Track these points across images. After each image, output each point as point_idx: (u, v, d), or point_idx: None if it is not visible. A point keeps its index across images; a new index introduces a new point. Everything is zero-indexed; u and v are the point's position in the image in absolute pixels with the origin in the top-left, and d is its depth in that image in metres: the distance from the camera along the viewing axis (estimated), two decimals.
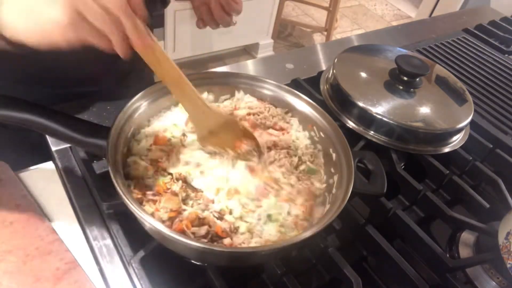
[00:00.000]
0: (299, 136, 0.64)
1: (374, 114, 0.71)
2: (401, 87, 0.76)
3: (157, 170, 0.54)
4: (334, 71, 0.78)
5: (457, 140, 0.76)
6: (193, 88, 0.53)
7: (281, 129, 0.65)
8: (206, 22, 0.80)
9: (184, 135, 0.59)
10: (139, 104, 0.58)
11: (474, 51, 1.13)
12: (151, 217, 0.45)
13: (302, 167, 0.60)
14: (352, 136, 0.70)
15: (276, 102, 0.67)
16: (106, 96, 0.73)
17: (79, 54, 0.70)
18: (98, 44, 0.42)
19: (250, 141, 0.58)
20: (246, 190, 0.54)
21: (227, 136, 0.57)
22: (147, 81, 0.73)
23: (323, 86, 0.82)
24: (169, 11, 2.14)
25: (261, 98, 0.67)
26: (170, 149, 0.57)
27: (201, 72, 0.66)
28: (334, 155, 0.60)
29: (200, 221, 0.50)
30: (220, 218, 0.51)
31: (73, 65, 0.70)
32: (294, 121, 0.66)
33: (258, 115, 0.65)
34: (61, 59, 0.68)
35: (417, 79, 0.76)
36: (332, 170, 0.59)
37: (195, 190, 0.54)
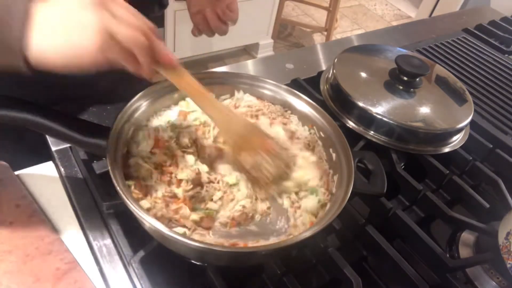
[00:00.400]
0: (298, 129, 0.65)
1: (374, 114, 0.71)
2: (401, 87, 0.76)
3: (163, 173, 0.54)
4: (334, 71, 0.78)
5: (457, 140, 0.76)
6: (213, 96, 0.55)
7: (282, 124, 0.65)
8: (202, 30, 0.80)
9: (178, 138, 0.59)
10: (139, 104, 0.58)
11: (474, 51, 1.13)
12: (151, 217, 0.45)
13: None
14: (352, 136, 0.70)
15: (276, 102, 0.67)
16: (102, 99, 0.73)
17: None
18: (127, 65, 0.43)
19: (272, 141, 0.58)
20: None
21: (255, 139, 0.57)
22: (141, 82, 0.73)
23: (323, 86, 0.82)
24: (169, 11, 2.14)
25: (261, 97, 0.67)
26: (173, 153, 0.56)
27: (201, 72, 0.66)
28: (334, 155, 0.60)
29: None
30: None
31: None
32: (294, 118, 0.66)
33: (257, 111, 0.65)
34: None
35: (417, 79, 0.76)
36: (331, 150, 0.61)
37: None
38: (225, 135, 0.58)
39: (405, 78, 0.76)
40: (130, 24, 0.42)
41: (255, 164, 0.55)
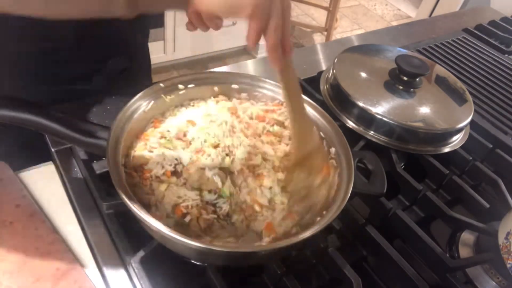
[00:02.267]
0: None
1: (374, 114, 0.71)
2: (401, 87, 0.76)
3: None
4: (334, 71, 0.78)
5: (457, 140, 0.76)
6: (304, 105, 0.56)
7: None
8: (196, 24, 0.81)
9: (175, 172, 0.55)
10: (139, 104, 0.58)
11: (474, 51, 1.13)
12: (151, 217, 0.45)
13: None
14: (352, 136, 0.70)
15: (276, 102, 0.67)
16: (98, 95, 0.73)
17: (72, 51, 0.70)
18: (257, 27, 0.47)
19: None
20: None
21: (319, 161, 0.57)
22: (141, 82, 0.74)
23: (323, 86, 0.82)
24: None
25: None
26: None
27: (201, 72, 0.66)
28: (334, 155, 0.60)
29: None
30: None
31: (65, 62, 0.71)
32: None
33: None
34: (53, 55, 0.69)
35: (417, 79, 0.76)
36: (321, 134, 0.62)
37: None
38: (297, 145, 0.56)
39: (405, 78, 0.76)
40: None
41: (303, 185, 0.55)
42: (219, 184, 0.53)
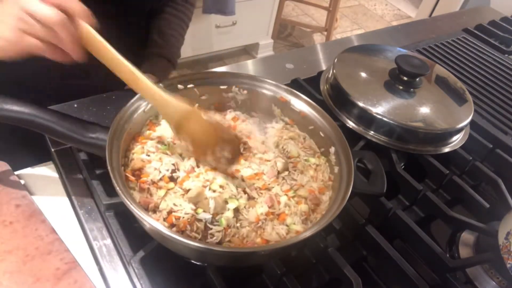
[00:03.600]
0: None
1: (374, 114, 0.71)
2: (401, 87, 0.76)
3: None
4: (334, 71, 0.78)
5: (457, 140, 0.76)
6: (149, 82, 0.52)
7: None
8: None
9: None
10: (139, 104, 0.58)
11: (474, 51, 1.13)
12: (151, 217, 0.45)
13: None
14: (352, 136, 0.70)
15: (276, 102, 0.67)
16: (97, 90, 0.73)
17: None
18: (46, 54, 0.48)
19: (228, 142, 0.56)
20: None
21: (202, 134, 0.55)
22: None
23: (323, 86, 0.82)
24: None
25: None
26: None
27: (201, 72, 0.66)
28: (334, 155, 0.60)
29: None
30: None
31: None
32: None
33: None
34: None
35: (417, 79, 0.76)
36: (321, 134, 0.62)
37: None
38: (166, 120, 0.55)
39: (405, 78, 0.76)
40: (43, 20, 0.45)
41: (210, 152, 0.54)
42: (211, 210, 0.51)
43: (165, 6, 0.90)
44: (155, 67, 0.86)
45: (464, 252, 0.63)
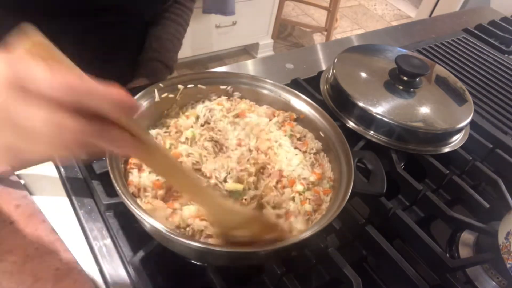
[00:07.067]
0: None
1: (374, 114, 0.71)
2: (401, 87, 0.76)
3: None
4: (334, 71, 0.78)
5: (457, 140, 0.76)
6: (201, 183, 0.47)
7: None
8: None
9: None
10: (139, 104, 0.58)
11: (474, 51, 1.13)
12: (151, 217, 0.45)
13: None
14: (352, 136, 0.70)
15: (276, 102, 0.67)
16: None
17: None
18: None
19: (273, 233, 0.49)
20: None
21: (251, 229, 0.48)
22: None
23: (323, 86, 0.82)
24: None
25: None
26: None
27: (201, 72, 0.66)
28: (334, 155, 0.60)
29: None
30: None
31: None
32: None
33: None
34: None
35: (417, 79, 0.76)
36: (321, 134, 0.63)
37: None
38: (213, 220, 0.48)
39: (405, 78, 0.76)
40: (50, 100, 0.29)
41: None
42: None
43: (163, 11, 0.90)
44: (148, 70, 0.85)
45: (464, 252, 0.63)
